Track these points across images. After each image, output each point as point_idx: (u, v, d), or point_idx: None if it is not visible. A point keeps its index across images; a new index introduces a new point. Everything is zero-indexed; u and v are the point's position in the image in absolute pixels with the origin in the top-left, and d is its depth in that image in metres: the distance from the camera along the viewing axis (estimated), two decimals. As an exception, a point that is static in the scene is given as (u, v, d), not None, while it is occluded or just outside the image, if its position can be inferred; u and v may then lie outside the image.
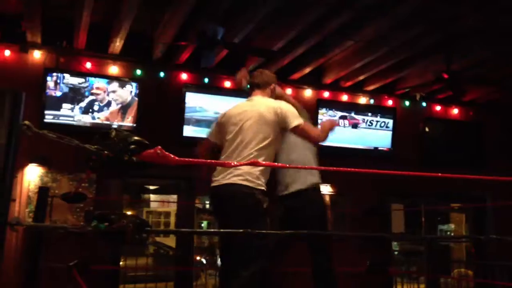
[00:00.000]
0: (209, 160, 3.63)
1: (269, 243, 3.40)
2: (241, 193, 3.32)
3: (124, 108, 7.16)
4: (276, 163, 3.87)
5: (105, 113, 7.06)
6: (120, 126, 7.03)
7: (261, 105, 3.62)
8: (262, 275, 3.34)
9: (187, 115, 7.45)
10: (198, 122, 7.44)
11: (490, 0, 5.74)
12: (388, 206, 8.54)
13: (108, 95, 7.09)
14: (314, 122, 8.05)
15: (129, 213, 8.73)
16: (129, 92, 7.19)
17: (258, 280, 3.29)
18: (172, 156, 1.92)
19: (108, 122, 7.03)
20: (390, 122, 8.53)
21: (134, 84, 7.22)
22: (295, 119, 3.52)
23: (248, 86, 3.93)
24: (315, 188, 4.23)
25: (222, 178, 3.42)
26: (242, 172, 3.35)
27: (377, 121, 8.49)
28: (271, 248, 3.43)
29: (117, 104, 7.13)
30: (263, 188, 3.39)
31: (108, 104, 7.09)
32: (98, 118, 7.02)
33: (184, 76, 7.65)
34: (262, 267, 3.34)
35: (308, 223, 4.09)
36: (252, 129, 3.49)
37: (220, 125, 3.74)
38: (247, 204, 3.34)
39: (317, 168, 4.27)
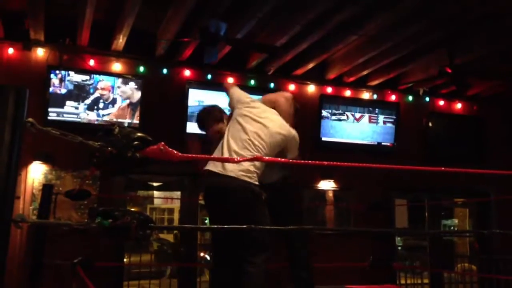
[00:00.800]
0: (210, 156, 3.67)
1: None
2: (241, 186, 3.48)
3: (133, 105, 7.17)
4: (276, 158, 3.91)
5: (112, 110, 7.08)
6: (129, 124, 7.03)
7: (279, 124, 3.78)
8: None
9: (190, 111, 7.45)
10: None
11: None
12: (391, 201, 8.54)
13: (113, 92, 7.10)
14: (317, 118, 8.07)
15: (133, 209, 8.74)
16: (136, 89, 7.19)
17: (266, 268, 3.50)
18: (176, 152, 1.92)
19: (115, 120, 7.04)
20: (393, 117, 8.51)
21: (139, 81, 7.23)
22: (296, 152, 3.86)
23: None
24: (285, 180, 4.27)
25: (219, 171, 3.54)
26: (243, 168, 3.49)
27: (380, 116, 8.47)
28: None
29: (125, 101, 7.15)
30: (257, 183, 3.56)
31: (113, 101, 7.10)
32: (103, 115, 7.03)
33: (187, 72, 7.64)
34: (270, 255, 3.54)
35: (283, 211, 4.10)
36: (257, 138, 3.63)
37: (245, 104, 3.87)
38: (248, 196, 3.50)
39: (320, 163, 4.29)
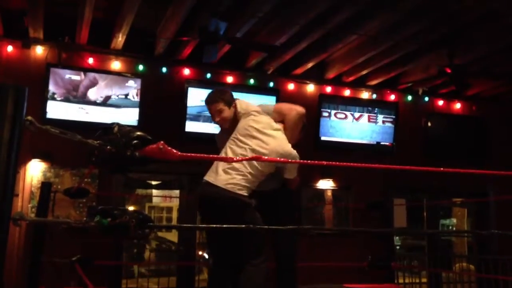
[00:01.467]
0: (210, 156, 3.66)
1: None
2: (228, 197, 3.49)
3: (128, 104, 7.16)
4: (275, 158, 3.90)
5: (109, 108, 7.07)
6: (124, 122, 7.02)
7: (279, 143, 3.71)
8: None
9: (189, 110, 7.45)
10: (200, 118, 7.44)
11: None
12: (390, 200, 8.54)
13: (111, 90, 7.09)
14: (317, 117, 8.07)
15: (131, 208, 8.76)
16: (133, 87, 7.19)
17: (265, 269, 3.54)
18: (175, 151, 1.92)
19: (112, 118, 7.03)
20: (392, 117, 8.52)
21: (138, 80, 7.22)
22: (295, 173, 3.87)
23: None
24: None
25: (211, 181, 3.58)
26: (232, 182, 3.52)
27: (380, 116, 8.47)
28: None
29: (121, 100, 7.14)
30: (246, 195, 3.57)
31: (112, 100, 7.09)
32: (101, 113, 7.02)
33: (186, 71, 7.64)
34: (267, 256, 3.58)
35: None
36: (254, 154, 3.61)
37: (249, 115, 3.83)
38: (234, 204, 3.51)
39: (319, 163, 4.30)
